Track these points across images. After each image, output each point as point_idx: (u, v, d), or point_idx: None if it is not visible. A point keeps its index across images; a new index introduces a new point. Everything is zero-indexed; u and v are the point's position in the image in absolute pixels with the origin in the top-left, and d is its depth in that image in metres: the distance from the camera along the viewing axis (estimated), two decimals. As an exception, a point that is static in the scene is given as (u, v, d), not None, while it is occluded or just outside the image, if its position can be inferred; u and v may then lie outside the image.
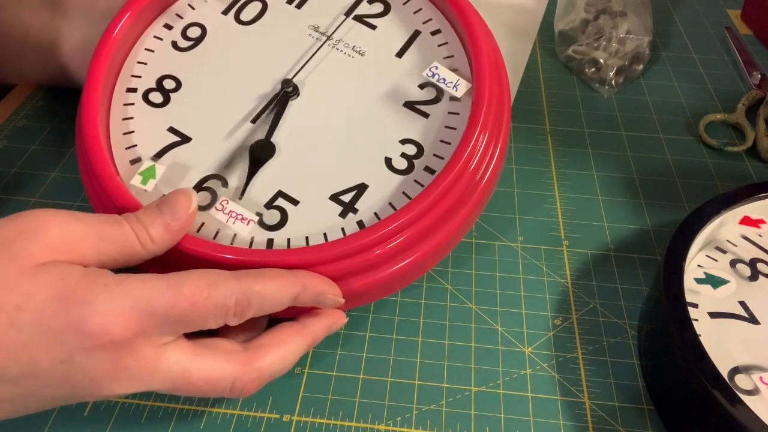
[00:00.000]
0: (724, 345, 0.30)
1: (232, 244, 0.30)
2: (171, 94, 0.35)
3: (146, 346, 0.24)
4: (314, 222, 0.31)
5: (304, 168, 0.33)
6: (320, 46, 0.36)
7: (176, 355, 0.25)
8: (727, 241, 0.35)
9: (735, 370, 0.29)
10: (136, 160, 0.33)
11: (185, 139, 0.34)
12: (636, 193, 0.43)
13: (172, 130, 0.34)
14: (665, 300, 0.30)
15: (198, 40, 0.37)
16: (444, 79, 0.34)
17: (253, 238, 0.30)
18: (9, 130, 0.47)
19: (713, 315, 0.32)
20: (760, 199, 0.36)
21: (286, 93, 0.34)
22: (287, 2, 0.38)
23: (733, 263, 0.34)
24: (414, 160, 0.33)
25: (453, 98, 0.34)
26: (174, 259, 0.28)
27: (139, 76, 0.36)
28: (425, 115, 0.34)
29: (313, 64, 0.36)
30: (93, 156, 0.31)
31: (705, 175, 0.44)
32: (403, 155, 0.33)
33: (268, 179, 0.32)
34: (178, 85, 0.36)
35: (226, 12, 0.38)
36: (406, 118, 0.34)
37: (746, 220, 0.36)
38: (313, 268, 0.29)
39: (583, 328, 0.35)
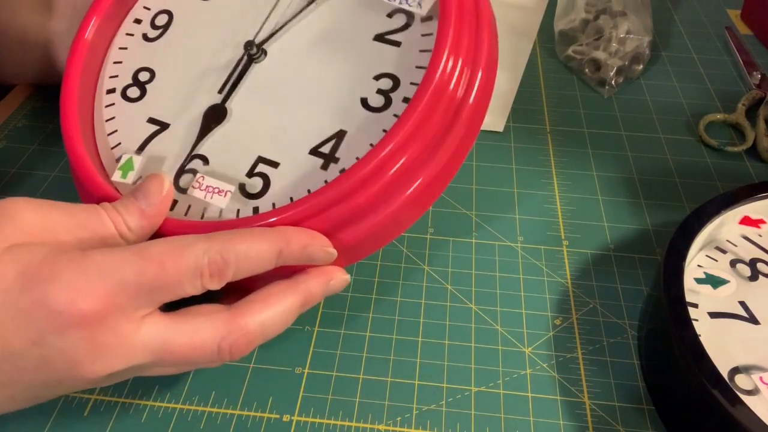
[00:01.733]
0: (724, 345, 0.30)
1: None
2: (146, 86, 0.35)
3: (122, 320, 0.24)
4: (297, 181, 0.30)
5: (280, 128, 0.32)
6: (277, 1, 0.35)
7: (154, 326, 0.25)
8: (727, 241, 0.35)
9: (735, 370, 0.29)
10: (121, 157, 0.33)
11: (164, 126, 0.34)
12: (636, 193, 0.43)
13: (151, 120, 0.34)
14: (665, 300, 0.30)
15: (166, 27, 0.37)
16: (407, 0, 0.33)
17: (238, 210, 0.30)
18: (9, 130, 0.47)
19: (713, 315, 0.32)
20: (760, 199, 0.36)
21: (249, 56, 0.34)
22: None
23: (733, 263, 0.34)
24: (390, 94, 0.31)
25: (424, 19, 0.32)
26: None
27: (116, 76, 0.36)
28: (397, 44, 0.32)
29: (275, 20, 0.35)
30: (73, 159, 0.32)
31: (705, 175, 0.44)
32: (379, 91, 0.31)
33: (246, 147, 0.32)
34: (152, 75, 0.36)
35: None
36: (377, 51, 0.32)
37: (746, 220, 0.36)
38: (300, 226, 0.28)
39: (583, 328, 0.35)
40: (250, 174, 0.31)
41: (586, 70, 0.52)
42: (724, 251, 0.35)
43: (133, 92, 0.35)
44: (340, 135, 0.31)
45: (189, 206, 0.31)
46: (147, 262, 0.24)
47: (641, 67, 0.53)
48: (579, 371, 0.33)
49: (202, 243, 0.25)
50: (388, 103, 0.31)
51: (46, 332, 0.23)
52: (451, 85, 0.30)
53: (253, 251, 0.26)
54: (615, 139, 0.47)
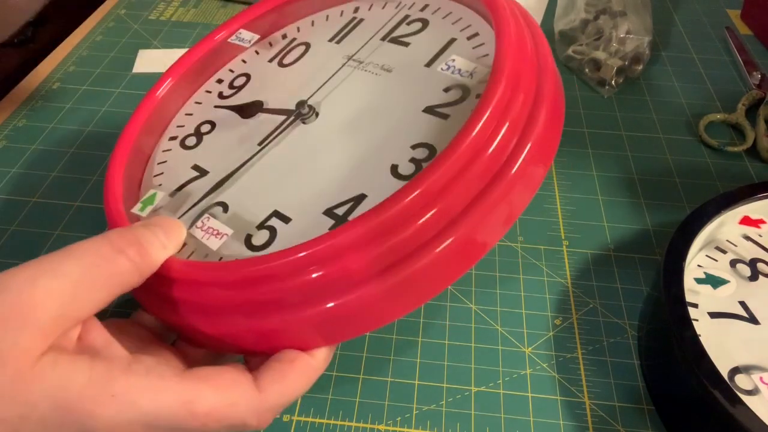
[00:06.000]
0: (724, 345, 0.30)
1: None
2: (204, 136, 0.36)
3: None
4: (300, 238, 0.27)
5: (304, 185, 0.31)
6: (341, 66, 0.36)
7: None
8: (727, 241, 0.35)
9: (735, 370, 0.29)
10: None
11: (203, 173, 0.34)
12: (636, 193, 0.43)
13: (195, 167, 0.35)
14: (665, 300, 0.30)
15: (241, 87, 0.39)
16: (460, 70, 0.32)
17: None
18: (9, 130, 0.47)
19: (713, 315, 0.32)
20: (760, 199, 0.36)
21: (300, 114, 0.34)
22: (328, 40, 0.38)
23: (733, 263, 0.34)
24: (423, 163, 0.29)
25: (479, 96, 0.30)
26: (161, 286, 0.28)
27: (183, 126, 0.38)
28: (444, 116, 0.31)
29: (334, 85, 0.35)
30: (106, 185, 0.33)
31: (705, 175, 0.44)
32: (412, 160, 0.30)
33: (266, 199, 0.31)
34: (213, 127, 0.37)
35: (272, 60, 0.40)
36: (422, 122, 0.31)
37: (746, 220, 0.36)
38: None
39: (583, 328, 0.35)
40: (261, 226, 0.30)
41: (586, 70, 0.52)
42: (724, 251, 0.35)
43: (191, 141, 0.37)
44: (358, 199, 0.29)
45: (193, 251, 0.30)
46: (190, 418, 0.24)
47: (641, 67, 0.53)
48: (579, 371, 0.33)
49: (253, 403, 0.25)
50: (417, 171, 0.29)
51: None
52: (489, 150, 0.27)
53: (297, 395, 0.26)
54: (615, 139, 0.47)
